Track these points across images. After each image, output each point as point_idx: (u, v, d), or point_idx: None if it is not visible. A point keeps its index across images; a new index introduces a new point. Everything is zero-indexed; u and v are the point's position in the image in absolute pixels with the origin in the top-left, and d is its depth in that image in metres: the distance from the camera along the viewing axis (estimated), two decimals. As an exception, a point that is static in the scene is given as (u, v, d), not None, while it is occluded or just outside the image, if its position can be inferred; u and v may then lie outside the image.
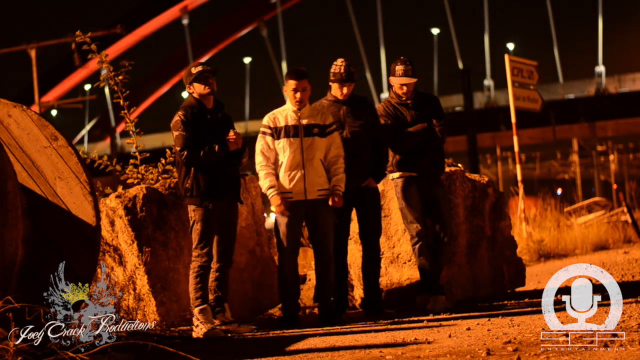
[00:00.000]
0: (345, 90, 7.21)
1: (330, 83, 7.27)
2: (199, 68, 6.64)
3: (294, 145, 6.85)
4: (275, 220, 6.93)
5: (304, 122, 6.90)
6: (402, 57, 7.38)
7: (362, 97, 7.44)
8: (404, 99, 7.41)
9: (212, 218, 6.54)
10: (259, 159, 6.90)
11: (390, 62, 7.47)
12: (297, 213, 6.87)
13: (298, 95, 6.88)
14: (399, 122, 7.35)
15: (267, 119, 6.96)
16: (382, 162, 7.34)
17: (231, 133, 6.58)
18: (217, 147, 6.49)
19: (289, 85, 6.91)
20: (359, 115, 7.25)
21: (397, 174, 7.39)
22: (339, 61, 7.23)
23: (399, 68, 7.33)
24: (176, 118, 6.57)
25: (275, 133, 6.89)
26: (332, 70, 7.24)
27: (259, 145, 6.92)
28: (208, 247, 6.54)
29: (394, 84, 7.41)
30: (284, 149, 6.86)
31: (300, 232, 7.02)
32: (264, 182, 6.87)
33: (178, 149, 6.53)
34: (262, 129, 6.95)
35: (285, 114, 6.93)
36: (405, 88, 7.37)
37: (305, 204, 6.87)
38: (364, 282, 7.38)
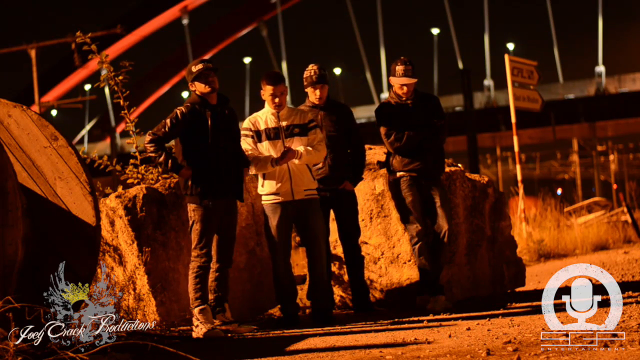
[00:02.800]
0: (318, 93, 7.33)
1: (305, 89, 7.39)
2: (200, 66, 6.64)
3: (277, 147, 6.87)
4: (266, 223, 6.95)
5: (284, 123, 6.93)
6: (402, 58, 7.40)
7: (340, 104, 7.59)
8: (404, 99, 7.42)
9: (211, 218, 6.54)
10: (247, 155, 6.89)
11: (390, 62, 7.51)
12: (286, 214, 6.89)
13: (277, 100, 6.92)
14: (399, 122, 7.35)
15: (247, 122, 7.01)
16: (359, 166, 7.45)
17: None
18: (170, 163, 6.48)
19: (267, 91, 6.95)
20: (336, 120, 7.38)
21: (397, 174, 7.40)
22: (310, 66, 7.37)
23: (399, 68, 7.35)
24: (175, 110, 6.58)
25: (256, 136, 6.92)
26: (304, 75, 7.39)
27: (243, 146, 6.91)
28: (207, 247, 6.54)
29: (394, 84, 7.43)
30: (267, 152, 6.90)
31: (291, 234, 7.06)
32: (262, 160, 6.84)
33: (153, 130, 6.56)
34: (243, 132, 6.97)
35: (265, 117, 6.97)
36: (405, 88, 7.38)
37: (293, 205, 6.89)
38: (350, 282, 7.49)
